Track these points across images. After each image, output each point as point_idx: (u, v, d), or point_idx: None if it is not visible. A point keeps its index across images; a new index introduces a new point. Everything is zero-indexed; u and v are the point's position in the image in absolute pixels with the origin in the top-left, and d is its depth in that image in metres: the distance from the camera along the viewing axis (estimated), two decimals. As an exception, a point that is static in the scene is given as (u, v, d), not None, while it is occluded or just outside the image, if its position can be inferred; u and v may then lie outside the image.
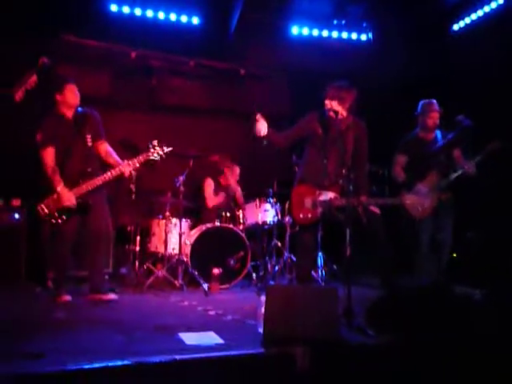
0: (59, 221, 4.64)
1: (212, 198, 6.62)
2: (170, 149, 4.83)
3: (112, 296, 4.78)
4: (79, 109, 4.88)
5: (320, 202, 4.58)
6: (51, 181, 4.65)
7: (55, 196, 4.63)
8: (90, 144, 4.83)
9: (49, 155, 4.71)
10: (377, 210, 4.57)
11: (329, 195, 4.58)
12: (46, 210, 4.63)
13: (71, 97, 4.79)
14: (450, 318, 3.56)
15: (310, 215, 4.58)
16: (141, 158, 4.79)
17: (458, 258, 5.46)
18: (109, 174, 4.80)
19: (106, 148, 4.98)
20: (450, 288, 3.91)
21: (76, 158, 4.78)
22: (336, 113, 4.46)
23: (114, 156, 4.95)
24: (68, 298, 4.74)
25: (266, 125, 4.47)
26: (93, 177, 4.75)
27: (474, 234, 6.17)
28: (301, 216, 4.62)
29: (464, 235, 6.06)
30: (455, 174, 5.03)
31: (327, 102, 4.58)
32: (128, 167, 4.79)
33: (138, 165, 4.82)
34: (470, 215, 5.87)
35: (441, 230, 4.99)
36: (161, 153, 4.79)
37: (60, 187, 4.62)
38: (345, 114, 4.53)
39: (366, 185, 4.68)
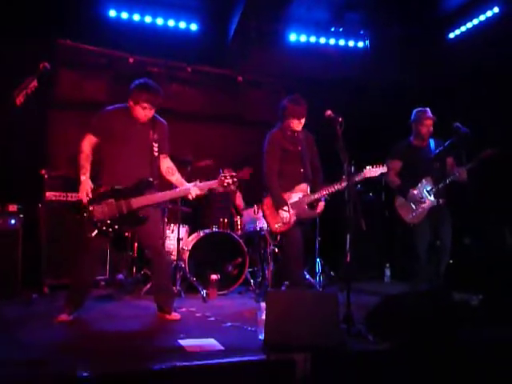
0: (109, 230, 4.09)
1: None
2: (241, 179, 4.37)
3: (177, 316, 4.37)
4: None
5: (291, 204, 4.70)
6: (79, 168, 4.15)
7: (111, 201, 4.10)
8: (156, 154, 4.35)
9: (87, 142, 4.23)
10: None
11: (297, 196, 4.74)
12: (99, 216, 4.06)
13: (140, 115, 4.28)
14: (448, 323, 3.59)
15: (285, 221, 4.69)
16: (212, 184, 4.31)
17: (455, 264, 5.47)
18: (173, 192, 4.41)
19: (168, 163, 4.50)
20: (448, 294, 3.94)
21: (143, 164, 4.29)
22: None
23: (177, 174, 4.48)
24: (68, 318, 4.12)
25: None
26: (156, 191, 4.30)
27: (471, 239, 6.20)
28: (277, 226, 4.72)
29: (461, 241, 6.09)
30: (447, 180, 5.07)
31: (302, 120, 4.77)
32: (196, 191, 4.29)
33: (206, 190, 4.37)
34: (467, 221, 5.89)
35: (439, 237, 5.00)
36: (230, 183, 4.27)
37: (85, 177, 4.11)
38: None
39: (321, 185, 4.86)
